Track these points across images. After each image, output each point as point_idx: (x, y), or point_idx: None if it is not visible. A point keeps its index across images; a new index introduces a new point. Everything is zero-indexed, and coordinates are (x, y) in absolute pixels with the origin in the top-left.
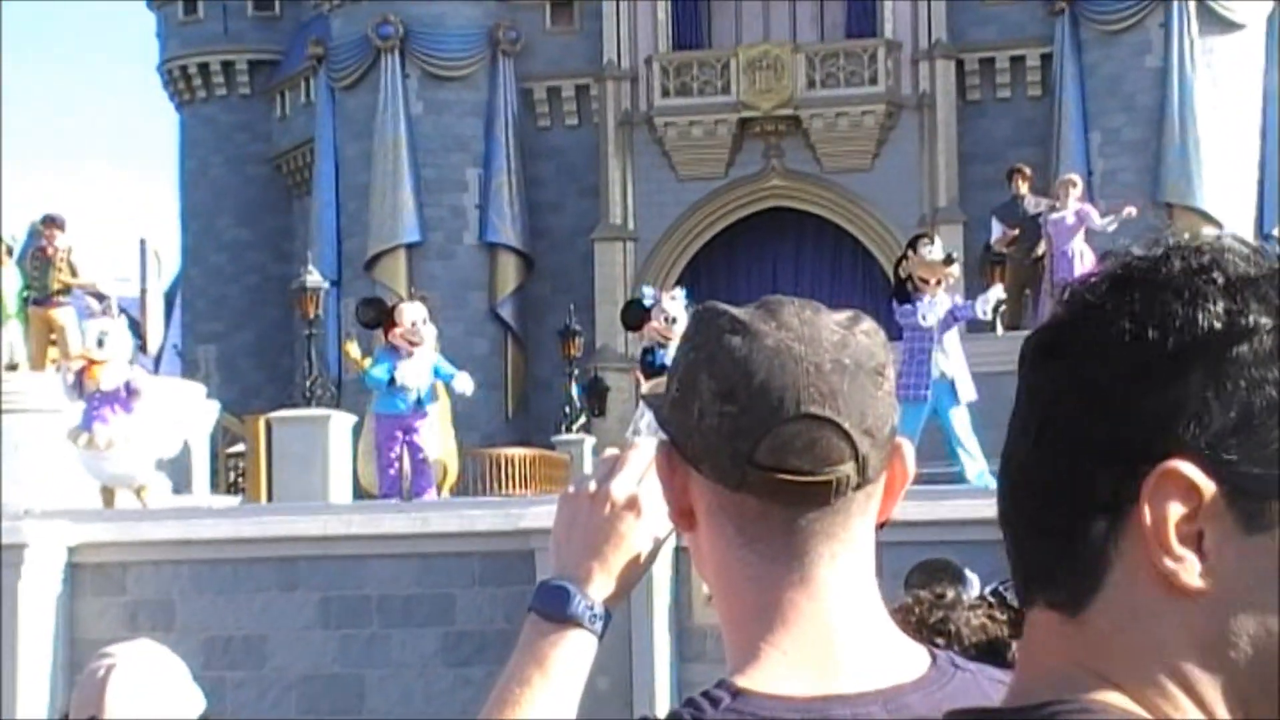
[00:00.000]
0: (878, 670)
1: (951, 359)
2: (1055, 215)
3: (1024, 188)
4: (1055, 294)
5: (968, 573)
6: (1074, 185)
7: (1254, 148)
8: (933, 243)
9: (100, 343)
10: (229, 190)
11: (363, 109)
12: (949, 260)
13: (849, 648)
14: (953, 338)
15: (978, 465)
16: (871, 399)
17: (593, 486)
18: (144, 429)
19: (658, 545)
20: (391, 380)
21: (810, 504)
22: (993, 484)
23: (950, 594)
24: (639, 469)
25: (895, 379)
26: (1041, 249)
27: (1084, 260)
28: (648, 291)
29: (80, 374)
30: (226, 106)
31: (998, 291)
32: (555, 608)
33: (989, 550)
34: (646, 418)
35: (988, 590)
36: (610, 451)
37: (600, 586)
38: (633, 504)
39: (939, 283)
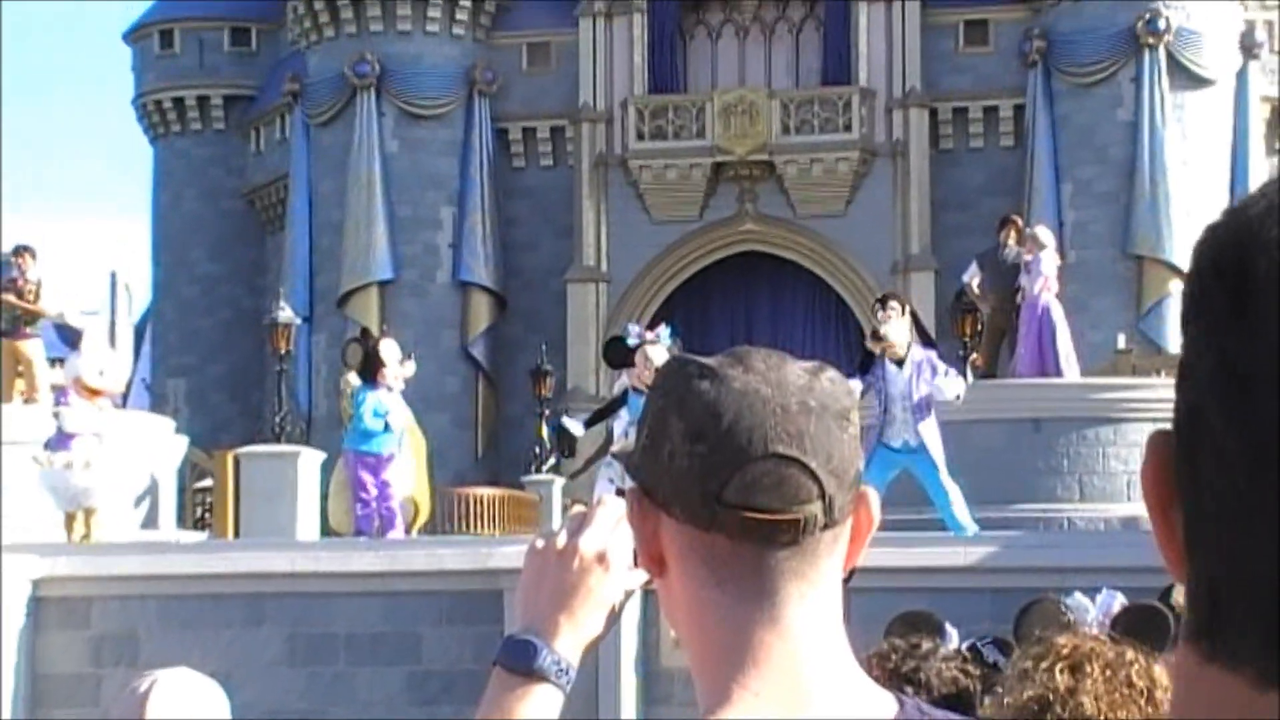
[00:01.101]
0: (847, 712)
1: (927, 428)
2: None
3: (1012, 238)
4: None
5: (948, 626)
6: (1043, 246)
7: (1224, 201)
8: (884, 308)
9: (100, 373)
10: (202, 224)
11: (338, 145)
12: (875, 337)
13: (819, 688)
14: (928, 421)
15: (959, 509)
16: (837, 441)
17: (561, 541)
18: (113, 453)
19: (626, 599)
20: (386, 426)
21: (779, 543)
22: (973, 529)
23: (926, 645)
24: (608, 524)
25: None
26: (1020, 298)
27: (1053, 314)
28: (632, 329)
29: (72, 395)
30: (201, 140)
31: (957, 386)
32: (521, 661)
33: (960, 597)
34: (614, 467)
35: (965, 645)
36: (578, 508)
37: (567, 640)
38: (601, 558)
39: (883, 353)
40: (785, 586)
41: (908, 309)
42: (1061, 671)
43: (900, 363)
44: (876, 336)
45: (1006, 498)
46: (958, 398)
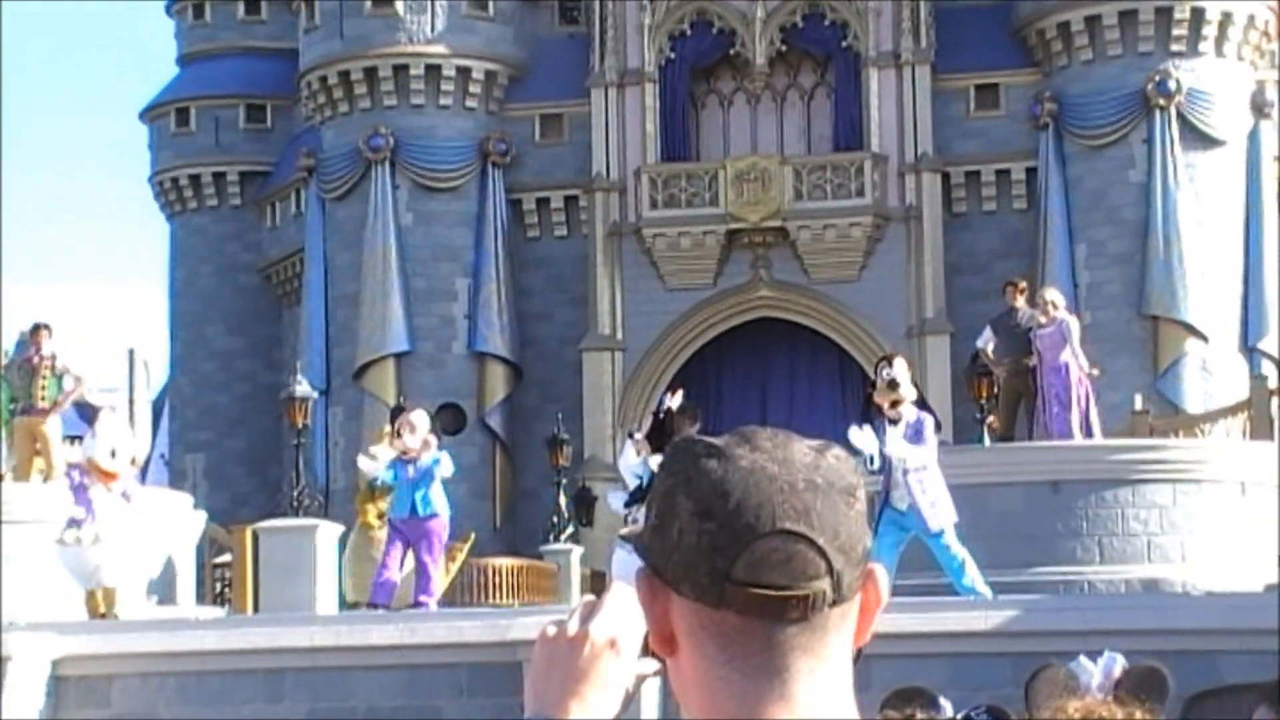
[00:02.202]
0: None
1: (919, 490)
2: (1042, 331)
3: (1019, 300)
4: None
5: (941, 699)
6: (1055, 307)
7: (1238, 262)
8: (891, 365)
9: (113, 454)
10: (219, 299)
11: (352, 219)
12: (893, 385)
13: None
14: (929, 471)
15: (971, 573)
16: (844, 517)
17: (573, 627)
18: (130, 533)
19: (639, 683)
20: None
21: (788, 619)
22: (987, 594)
23: (920, 715)
24: (620, 610)
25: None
26: (1033, 361)
27: (1072, 372)
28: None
29: (81, 477)
30: (217, 217)
31: (909, 450)
32: None
33: (980, 662)
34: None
35: (959, 716)
36: (588, 597)
37: None
38: (613, 644)
39: (893, 406)
40: (795, 663)
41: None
42: None
43: (896, 423)
44: (894, 385)
45: (1025, 561)
46: (902, 460)
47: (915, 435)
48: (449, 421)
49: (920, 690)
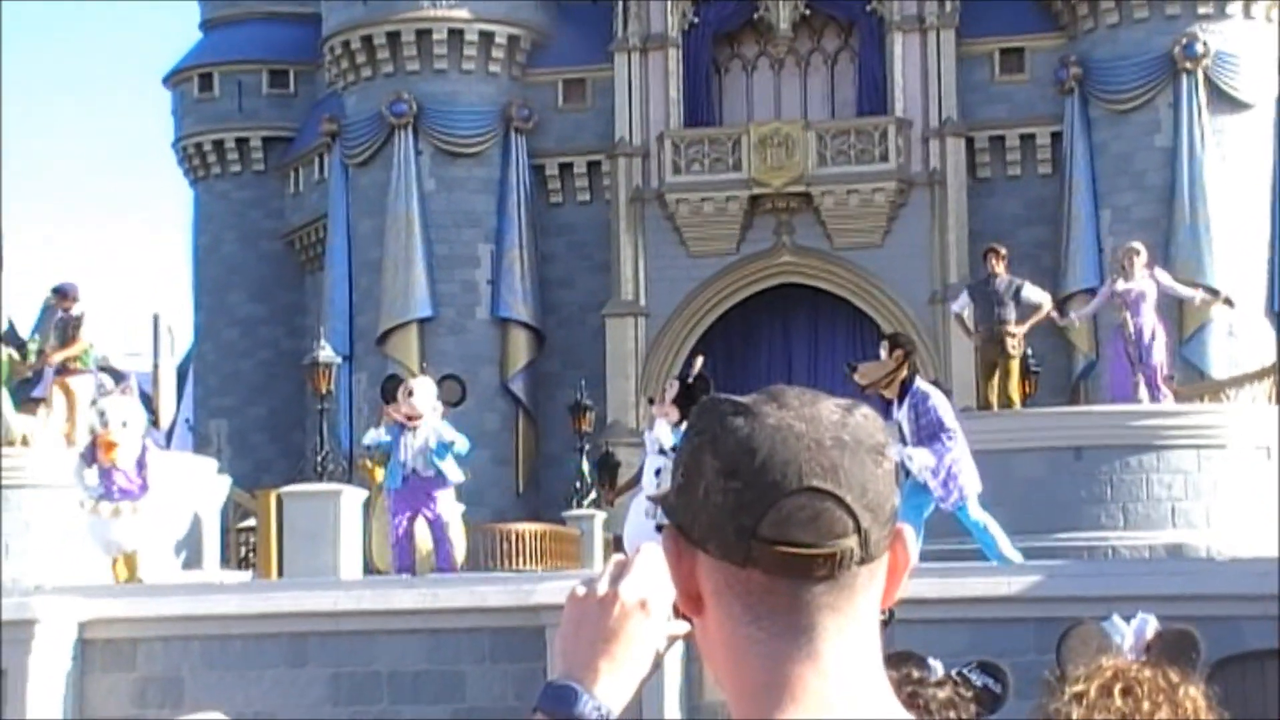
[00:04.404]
0: None
1: (928, 475)
2: (1124, 286)
3: (999, 267)
4: (1128, 362)
5: (930, 660)
6: (1138, 254)
7: (1264, 226)
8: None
9: (105, 421)
10: (242, 266)
11: (375, 185)
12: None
13: None
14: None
15: (998, 538)
16: (871, 476)
17: (602, 588)
18: (154, 502)
19: (669, 644)
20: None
21: (815, 577)
22: (1017, 558)
23: (917, 674)
24: (649, 571)
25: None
26: (1013, 333)
27: (1157, 338)
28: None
29: (93, 448)
30: (240, 183)
31: (923, 459)
32: (562, 707)
33: (1003, 628)
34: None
35: (953, 671)
36: (617, 557)
37: (608, 686)
38: (643, 605)
39: (887, 388)
40: (822, 621)
41: (898, 351)
42: (1117, 694)
43: (899, 401)
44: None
45: (1049, 527)
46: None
47: (915, 413)
48: (449, 393)
49: (910, 653)
